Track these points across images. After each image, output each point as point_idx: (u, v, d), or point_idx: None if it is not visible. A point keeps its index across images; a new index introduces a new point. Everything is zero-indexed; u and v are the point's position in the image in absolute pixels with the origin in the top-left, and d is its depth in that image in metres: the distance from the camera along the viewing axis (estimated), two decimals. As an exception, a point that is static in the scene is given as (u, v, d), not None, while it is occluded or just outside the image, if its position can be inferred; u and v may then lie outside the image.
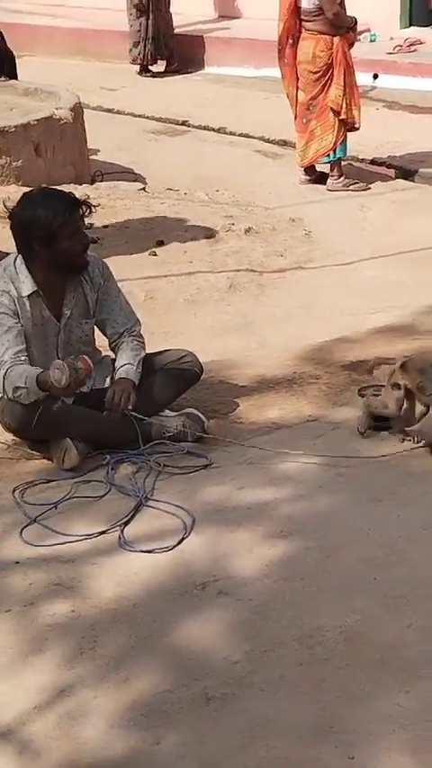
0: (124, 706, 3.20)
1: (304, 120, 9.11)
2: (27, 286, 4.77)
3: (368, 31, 13.38)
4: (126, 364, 4.88)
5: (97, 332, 5.06)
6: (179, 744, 3.05)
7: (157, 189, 9.14)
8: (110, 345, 5.04)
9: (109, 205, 8.11)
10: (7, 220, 4.82)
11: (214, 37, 14.51)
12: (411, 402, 4.65)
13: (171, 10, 14.09)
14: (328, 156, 9.13)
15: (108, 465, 4.63)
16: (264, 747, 3.00)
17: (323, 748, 2.98)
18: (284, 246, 7.81)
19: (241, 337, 6.22)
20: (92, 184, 8.96)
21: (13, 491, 4.47)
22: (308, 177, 9.41)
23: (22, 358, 4.72)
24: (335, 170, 9.24)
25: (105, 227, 7.67)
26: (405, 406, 4.63)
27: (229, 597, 3.66)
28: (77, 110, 9.35)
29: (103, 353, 5.13)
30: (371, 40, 13.61)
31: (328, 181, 9.25)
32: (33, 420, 4.66)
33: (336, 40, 8.79)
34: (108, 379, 4.99)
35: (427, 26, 14.14)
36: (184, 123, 11.79)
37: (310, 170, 9.40)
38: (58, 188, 5.39)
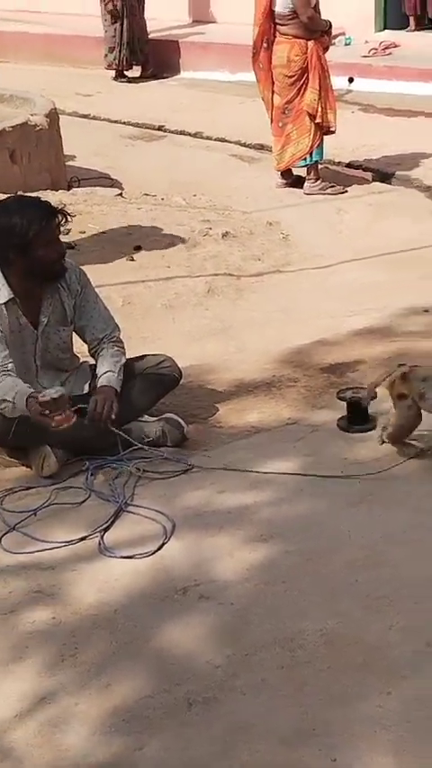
0: (106, 712, 3.19)
1: (280, 124, 9.13)
2: (3, 293, 4.75)
3: (343, 34, 13.45)
4: (107, 371, 4.86)
5: (75, 338, 5.05)
6: (162, 749, 3.04)
7: (134, 194, 9.12)
8: (90, 351, 5.03)
9: (86, 211, 8.10)
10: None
11: (189, 42, 14.52)
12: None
13: (145, 15, 14.09)
14: (305, 159, 9.14)
15: (88, 471, 4.61)
16: (246, 751, 3.00)
17: (305, 751, 2.98)
18: (262, 250, 7.81)
19: (220, 341, 6.22)
20: (68, 190, 8.94)
21: (-7, 499, 4.45)
22: (284, 181, 9.43)
23: (9, 366, 4.70)
24: (311, 173, 9.25)
25: (82, 232, 7.65)
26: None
27: (210, 601, 3.66)
28: (53, 116, 9.32)
29: (81, 360, 5.12)
30: (346, 44, 13.67)
31: (305, 184, 9.27)
32: (12, 428, 4.64)
33: (310, 44, 8.80)
34: (86, 386, 4.98)
35: (401, 29, 14.21)
36: (160, 128, 11.79)
37: (286, 174, 9.41)
38: (35, 195, 5.38)
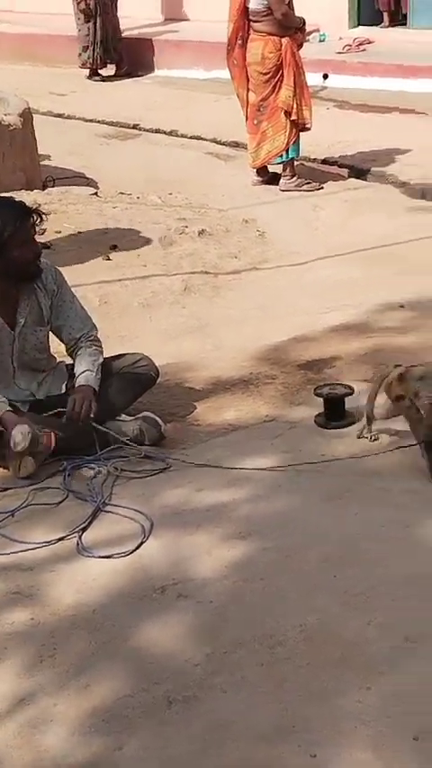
0: (85, 712, 3.19)
1: (255, 122, 9.13)
2: (-21, 294, 4.75)
3: (317, 31, 13.45)
4: (85, 371, 4.86)
5: (52, 338, 5.04)
6: (141, 748, 3.04)
7: (110, 193, 9.11)
8: (67, 351, 5.03)
9: (61, 210, 8.08)
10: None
11: (163, 40, 14.51)
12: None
13: (118, 14, 14.07)
14: (281, 156, 9.15)
15: (65, 471, 4.60)
16: (227, 749, 3.00)
17: (285, 748, 2.98)
18: (238, 248, 7.82)
19: (196, 339, 6.22)
20: (43, 190, 8.92)
21: (-30, 501, 4.44)
22: (260, 178, 9.43)
23: None
24: (287, 170, 9.26)
25: (58, 232, 7.63)
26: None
27: (188, 600, 3.66)
28: (27, 115, 9.28)
29: (58, 360, 5.11)
30: (320, 41, 13.69)
31: (281, 181, 9.27)
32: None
33: (284, 40, 8.81)
34: (64, 386, 4.98)
35: (375, 25, 14.24)
36: (135, 127, 11.77)
37: (262, 171, 9.42)
38: (9, 195, 5.36)
